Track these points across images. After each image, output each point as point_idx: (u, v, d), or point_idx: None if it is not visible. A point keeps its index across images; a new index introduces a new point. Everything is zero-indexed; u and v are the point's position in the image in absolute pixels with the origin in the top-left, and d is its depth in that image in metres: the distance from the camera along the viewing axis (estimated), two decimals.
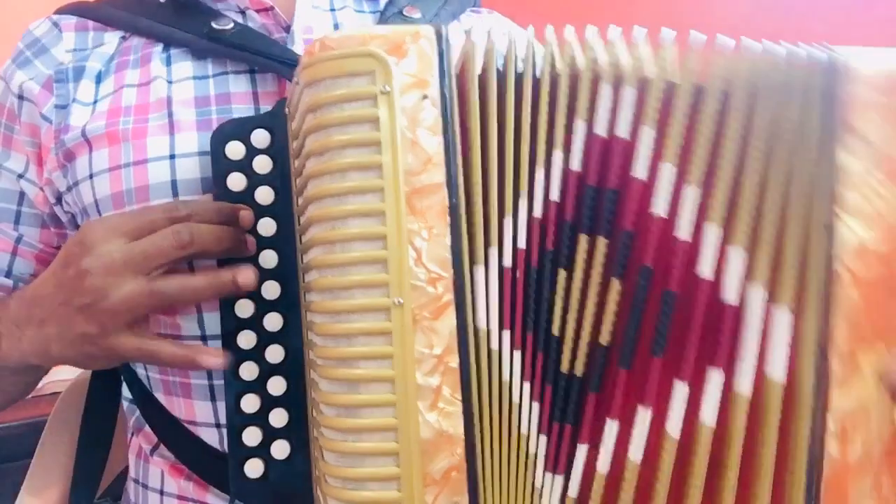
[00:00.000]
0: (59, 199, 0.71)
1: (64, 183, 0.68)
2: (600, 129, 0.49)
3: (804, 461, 0.45)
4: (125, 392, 0.75)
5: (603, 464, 0.48)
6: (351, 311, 0.48)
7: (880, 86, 0.45)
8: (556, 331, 0.49)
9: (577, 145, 0.50)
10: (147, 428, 0.70)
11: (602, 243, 0.49)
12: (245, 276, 0.55)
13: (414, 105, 0.49)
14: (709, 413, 0.46)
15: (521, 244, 0.49)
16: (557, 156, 0.50)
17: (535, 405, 0.49)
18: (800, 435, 0.45)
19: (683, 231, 0.47)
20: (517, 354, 0.49)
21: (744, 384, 0.46)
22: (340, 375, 0.48)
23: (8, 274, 0.72)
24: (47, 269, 0.59)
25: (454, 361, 0.48)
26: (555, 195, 0.49)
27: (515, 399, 0.49)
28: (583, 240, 0.49)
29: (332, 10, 0.74)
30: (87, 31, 0.73)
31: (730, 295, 0.46)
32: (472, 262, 0.49)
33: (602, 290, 0.49)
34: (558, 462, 0.49)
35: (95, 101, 0.69)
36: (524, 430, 0.49)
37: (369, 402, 0.48)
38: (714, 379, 0.46)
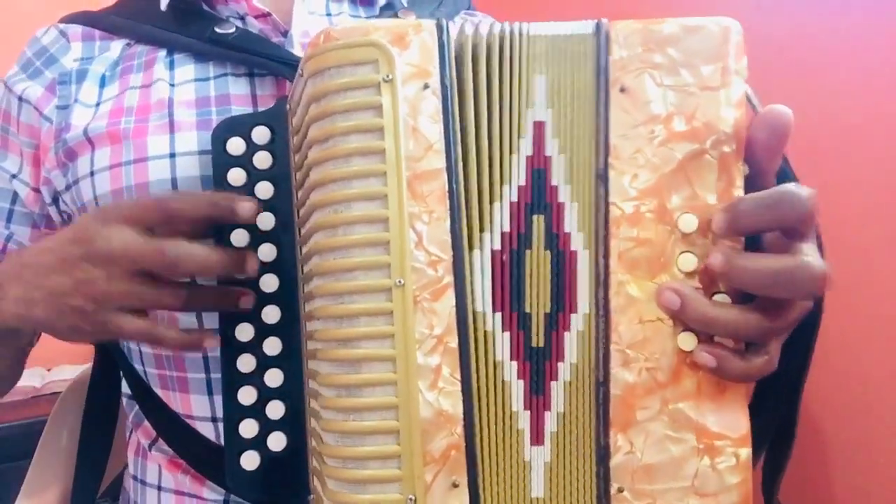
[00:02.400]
0: (55, 199, 0.73)
1: (63, 182, 0.70)
2: (538, 115, 0.52)
3: (592, 383, 0.50)
4: (124, 388, 0.76)
5: (553, 425, 0.51)
6: (353, 293, 0.49)
7: (638, 45, 0.51)
8: (528, 308, 0.51)
9: (529, 131, 0.52)
10: (146, 423, 0.71)
11: (542, 220, 0.51)
12: (246, 301, 0.57)
13: (415, 94, 0.50)
14: (574, 354, 0.51)
15: (506, 228, 0.51)
16: (523, 143, 0.52)
17: (521, 383, 0.50)
18: (591, 359, 0.50)
19: (562, 195, 0.51)
20: (506, 335, 0.50)
21: (581, 322, 0.51)
22: (342, 356, 0.49)
23: None
24: (50, 238, 0.59)
25: (453, 342, 0.49)
26: (522, 180, 0.51)
27: (507, 378, 0.50)
28: (534, 220, 0.51)
29: (329, 14, 0.76)
30: (94, 40, 0.75)
31: (573, 244, 0.51)
32: (470, 247, 0.50)
33: (544, 263, 0.51)
34: (538, 433, 0.51)
35: (99, 104, 0.70)
36: (514, 408, 0.50)
37: (370, 380, 0.49)
38: (574, 323, 0.51)
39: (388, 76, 0.49)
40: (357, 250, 0.49)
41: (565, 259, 0.51)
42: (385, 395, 0.48)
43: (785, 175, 0.52)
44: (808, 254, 0.47)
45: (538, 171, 0.51)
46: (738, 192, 0.49)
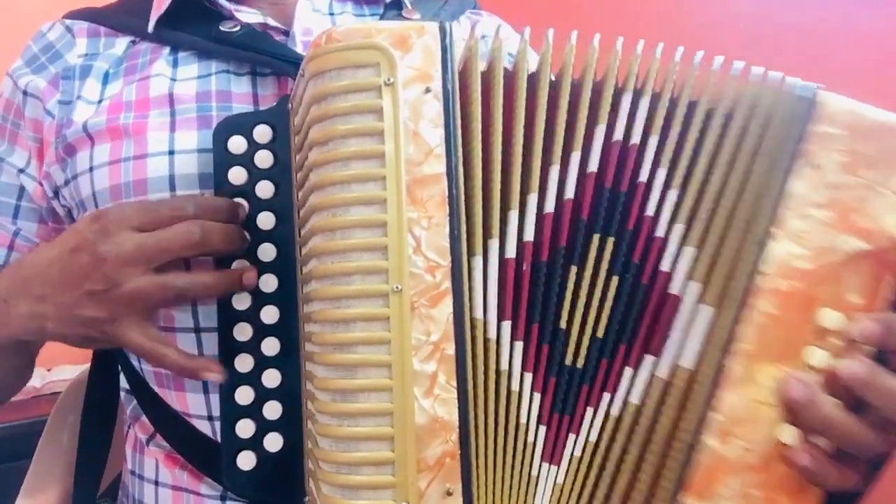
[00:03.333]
0: (56, 194, 0.73)
1: (62, 177, 0.70)
2: (618, 135, 0.51)
3: (686, 444, 0.48)
4: (122, 383, 0.75)
5: (578, 449, 0.50)
6: (350, 297, 0.49)
7: (844, 126, 0.48)
8: (563, 324, 0.50)
9: (596, 148, 0.51)
10: (143, 418, 0.71)
11: (611, 242, 0.51)
12: (249, 277, 0.57)
13: (417, 98, 0.50)
14: (636, 394, 0.50)
15: (529, 237, 0.50)
16: (575, 156, 0.51)
17: (537, 396, 0.50)
18: (687, 421, 0.49)
19: (661, 229, 0.50)
20: (518, 345, 0.50)
21: (663, 369, 0.49)
22: (338, 360, 0.49)
23: (3, 267, 0.74)
24: (48, 248, 0.59)
25: (450, 349, 0.48)
26: (570, 193, 0.51)
27: (514, 388, 0.50)
28: (595, 238, 0.51)
29: (332, 13, 0.76)
30: (99, 36, 0.75)
31: (675, 287, 0.50)
32: (471, 253, 0.50)
33: (605, 286, 0.50)
34: (555, 452, 0.50)
35: (101, 101, 0.70)
36: (523, 420, 0.50)
37: (366, 386, 0.48)
38: (646, 364, 0.50)
39: (389, 79, 0.49)
40: (355, 255, 0.49)
41: (653, 296, 0.50)
42: (380, 401, 0.48)
43: None
44: None
45: (613, 192, 0.51)
46: (883, 304, 0.48)
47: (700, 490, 0.48)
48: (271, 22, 0.71)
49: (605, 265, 0.50)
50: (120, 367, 0.74)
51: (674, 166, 0.51)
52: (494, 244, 0.50)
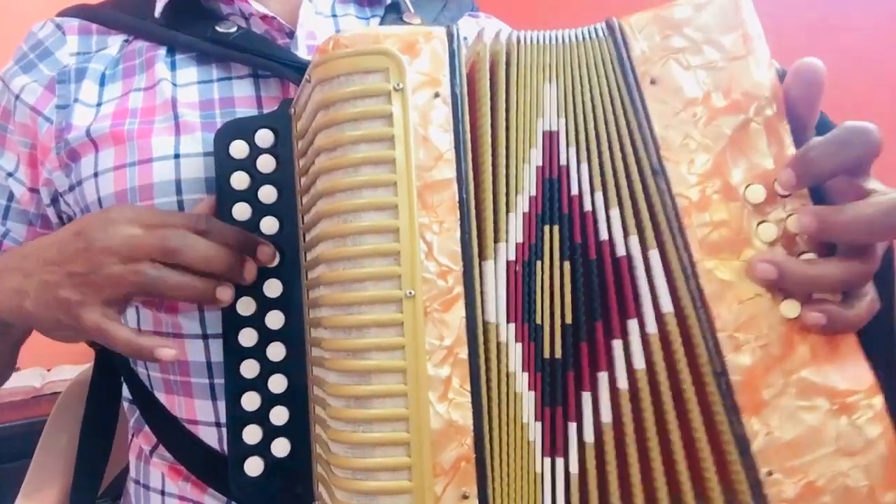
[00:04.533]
0: (55, 200, 0.72)
1: (66, 182, 0.69)
2: (547, 125, 0.52)
3: (712, 376, 0.48)
4: (125, 392, 0.75)
5: (588, 435, 0.50)
6: (362, 303, 0.49)
7: (651, 32, 0.52)
8: (538, 319, 0.50)
9: (539, 141, 0.52)
10: (146, 428, 0.71)
11: (556, 230, 0.51)
12: (223, 294, 0.56)
13: (426, 103, 0.50)
14: (638, 359, 0.49)
15: (519, 239, 0.51)
16: (534, 153, 0.52)
17: (532, 394, 0.50)
18: (701, 355, 0.49)
19: (587, 203, 0.51)
20: (519, 346, 0.50)
21: (650, 325, 0.49)
22: (351, 366, 0.49)
23: None
24: (58, 231, 0.59)
25: (463, 353, 0.48)
26: (532, 190, 0.51)
27: (520, 390, 0.50)
28: (546, 230, 0.51)
29: (335, 15, 0.75)
30: (91, 34, 0.74)
31: (620, 250, 0.50)
32: (483, 258, 0.50)
33: (560, 274, 0.51)
34: (556, 445, 0.50)
35: (100, 104, 0.69)
36: (525, 420, 0.50)
37: (380, 392, 0.48)
38: (633, 328, 0.50)
39: (398, 85, 0.49)
40: (367, 261, 0.49)
41: (606, 267, 0.50)
42: (395, 407, 0.48)
43: (825, 125, 0.51)
44: (885, 191, 0.46)
45: (550, 181, 0.51)
46: (791, 150, 0.49)
47: (753, 406, 0.48)
48: (278, 18, 0.71)
49: (556, 253, 0.51)
50: (123, 377, 0.74)
51: (577, 142, 0.52)
52: (502, 248, 0.50)
